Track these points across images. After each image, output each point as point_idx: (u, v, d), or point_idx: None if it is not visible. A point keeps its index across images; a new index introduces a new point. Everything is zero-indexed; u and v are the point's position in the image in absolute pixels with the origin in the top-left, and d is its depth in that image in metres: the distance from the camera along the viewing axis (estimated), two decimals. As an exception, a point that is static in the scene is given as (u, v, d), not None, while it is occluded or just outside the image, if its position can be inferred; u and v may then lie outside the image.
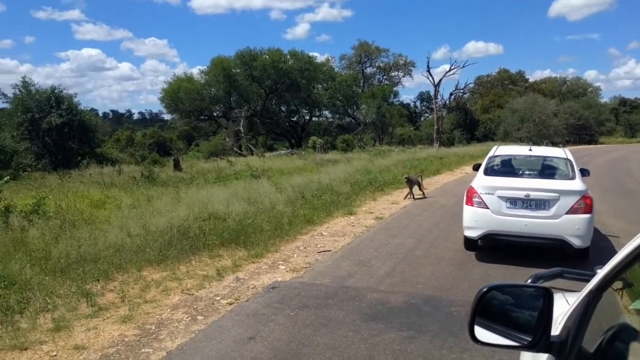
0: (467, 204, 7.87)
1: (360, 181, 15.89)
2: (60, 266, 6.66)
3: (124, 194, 15.24)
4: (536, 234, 7.37)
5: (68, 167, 26.27)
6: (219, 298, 5.94)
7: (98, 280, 6.42)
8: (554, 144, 49.98)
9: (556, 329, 1.79)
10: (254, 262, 7.40)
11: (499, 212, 7.49)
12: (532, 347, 1.68)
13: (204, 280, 6.56)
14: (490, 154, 8.99)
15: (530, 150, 9.17)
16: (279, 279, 6.63)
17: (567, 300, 2.15)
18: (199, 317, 5.36)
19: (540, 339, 1.66)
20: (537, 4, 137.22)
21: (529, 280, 2.32)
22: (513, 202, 7.49)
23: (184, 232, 8.34)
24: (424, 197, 13.77)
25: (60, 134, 28.24)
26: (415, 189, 13.84)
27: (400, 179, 17.55)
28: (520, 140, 45.57)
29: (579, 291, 1.85)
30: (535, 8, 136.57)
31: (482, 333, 1.76)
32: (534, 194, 7.39)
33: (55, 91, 29.35)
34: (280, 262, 7.43)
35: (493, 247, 8.00)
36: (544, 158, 8.89)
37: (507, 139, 49.34)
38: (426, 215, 11.36)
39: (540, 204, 7.38)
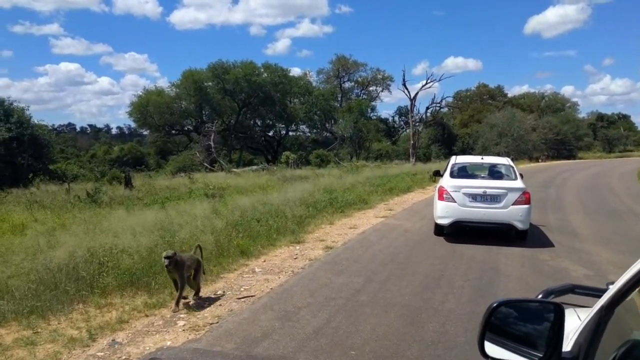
0: (439, 199, 9.98)
1: (319, 201, 14.33)
2: None
3: (55, 217, 13.57)
4: (491, 221, 9.69)
5: (17, 185, 24.40)
6: (71, 377, 4.30)
7: None
8: (531, 159, 49.34)
9: (567, 345, 1.77)
10: (147, 315, 5.75)
11: (463, 205, 9.74)
12: None
13: (66, 346, 4.89)
14: (452, 162, 11.16)
15: (482, 159, 11.80)
16: (168, 342, 4.99)
17: (578, 316, 2.14)
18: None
19: (551, 356, 1.65)
20: (512, 21, 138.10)
21: (540, 296, 2.34)
22: (474, 197, 9.74)
23: (72, 271, 6.68)
24: (196, 298, 6.32)
25: (8, 149, 26.25)
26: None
27: (366, 198, 16.12)
28: (498, 155, 44.51)
29: (591, 307, 1.84)
30: (512, 25, 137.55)
31: (492, 349, 1.74)
32: (489, 191, 9.70)
33: (5, 104, 27.39)
34: (182, 315, 5.80)
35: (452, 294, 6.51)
36: (493, 165, 11.26)
37: (486, 153, 48.31)
38: (385, 243, 9.82)
39: (494, 198, 9.66)
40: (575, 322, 1.97)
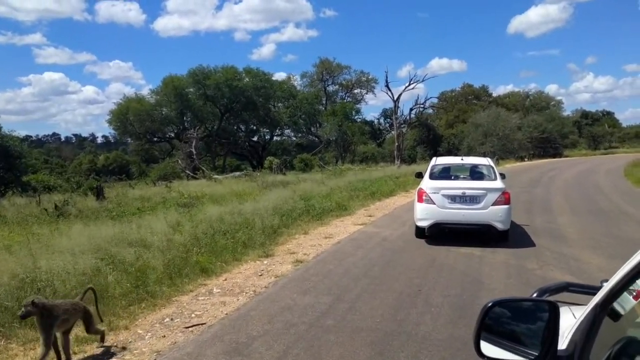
0: (418, 201, 9.87)
1: (295, 209, 13.58)
2: None
3: (13, 233, 12.71)
4: (471, 222, 9.55)
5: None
6: None
7: None
8: (517, 158, 49.00)
9: (563, 344, 1.76)
10: (75, 353, 4.97)
11: (443, 207, 9.61)
12: None
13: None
14: (432, 163, 11.06)
15: (462, 159, 11.78)
16: (90, 389, 4.24)
17: (573, 314, 2.12)
18: None
19: (547, 354, 1.65)
20: (496, 22, 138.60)
21: (535, 294, 2.30)
22: (453, 198, 9.62)
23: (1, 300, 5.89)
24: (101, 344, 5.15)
25: (-23, 161, 25.29)
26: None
27: (346, 204, 15.42)
28: (484, 155, 44.06)
29: (585, 305, 1.82)
30: (495, 25, 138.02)
31: (488, 348, 1.73)
32: (468, 192, 9.58)
33: (-27, 114, 26.40)
34: (115, 350, 5.03)
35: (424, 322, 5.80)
36: (473, 165, 11.12)
37: (471, 154, 47.84)
38: (360, 254, 9.10)
39: (473, 199, 9.53)
40: (570, 320, 1.96)
